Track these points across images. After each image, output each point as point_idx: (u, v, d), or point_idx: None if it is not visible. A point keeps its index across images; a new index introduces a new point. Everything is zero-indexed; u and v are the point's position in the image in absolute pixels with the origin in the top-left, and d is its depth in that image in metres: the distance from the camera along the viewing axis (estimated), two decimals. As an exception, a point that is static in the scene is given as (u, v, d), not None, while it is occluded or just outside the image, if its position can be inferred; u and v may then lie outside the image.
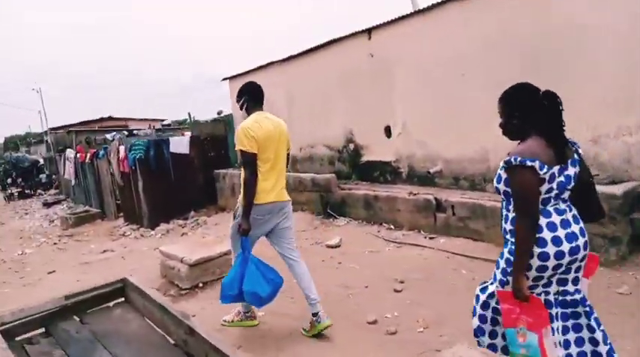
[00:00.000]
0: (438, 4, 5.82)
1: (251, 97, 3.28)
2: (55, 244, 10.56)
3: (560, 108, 1.95)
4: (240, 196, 3.15)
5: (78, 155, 15.31)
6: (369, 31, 6.74)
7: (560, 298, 2.02)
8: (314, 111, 8.32)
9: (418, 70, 6.19)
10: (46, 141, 29.55)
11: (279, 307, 3.92)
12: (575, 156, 2.02)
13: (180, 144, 10.66)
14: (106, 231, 11.40)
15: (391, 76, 6.55)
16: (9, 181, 27.08)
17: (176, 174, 10.54)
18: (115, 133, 17.23)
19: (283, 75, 8.82)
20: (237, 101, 3.30)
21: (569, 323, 2.05)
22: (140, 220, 10.54)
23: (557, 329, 1.98)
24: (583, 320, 2.04)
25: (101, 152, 12.90)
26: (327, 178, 7.10)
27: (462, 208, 5.36)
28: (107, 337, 2.47)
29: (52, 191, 23.72)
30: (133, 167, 10.36)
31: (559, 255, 1.90)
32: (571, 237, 1.93)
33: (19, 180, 26.48)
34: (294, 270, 3.37)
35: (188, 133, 12.41)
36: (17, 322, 2.57)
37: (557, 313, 2.01)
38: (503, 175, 1.99)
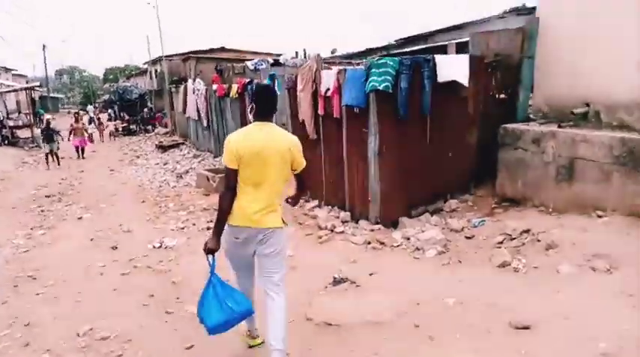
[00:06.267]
0: None
1: (258, 104, 2.75)
2: (208, 228, 6.24)
3: None
4: None
5: (214, 87, 10.89)
6: None
7: None
8: None
9: None
10: (151, 72, 26.01)
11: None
12: None
13: (455, 67, 5.58)
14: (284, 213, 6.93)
15: None
16: (112, 114, 24.11)
17: (433, 126, 5.65)
18: (257, 60, 12.68)
19: None
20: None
21: None
22: (360, 206, 5.85)
23: None
24: None
25: (266, 81, 8.30)
26: None
27: None
28: None
29: (161, 130, 20.06)
30: (361, 108, 5.52)
31: None
32: None
33: (123, 114, 23.18)
34: (267, 305, 2.77)
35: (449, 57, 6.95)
36: None
37: None
38: None
